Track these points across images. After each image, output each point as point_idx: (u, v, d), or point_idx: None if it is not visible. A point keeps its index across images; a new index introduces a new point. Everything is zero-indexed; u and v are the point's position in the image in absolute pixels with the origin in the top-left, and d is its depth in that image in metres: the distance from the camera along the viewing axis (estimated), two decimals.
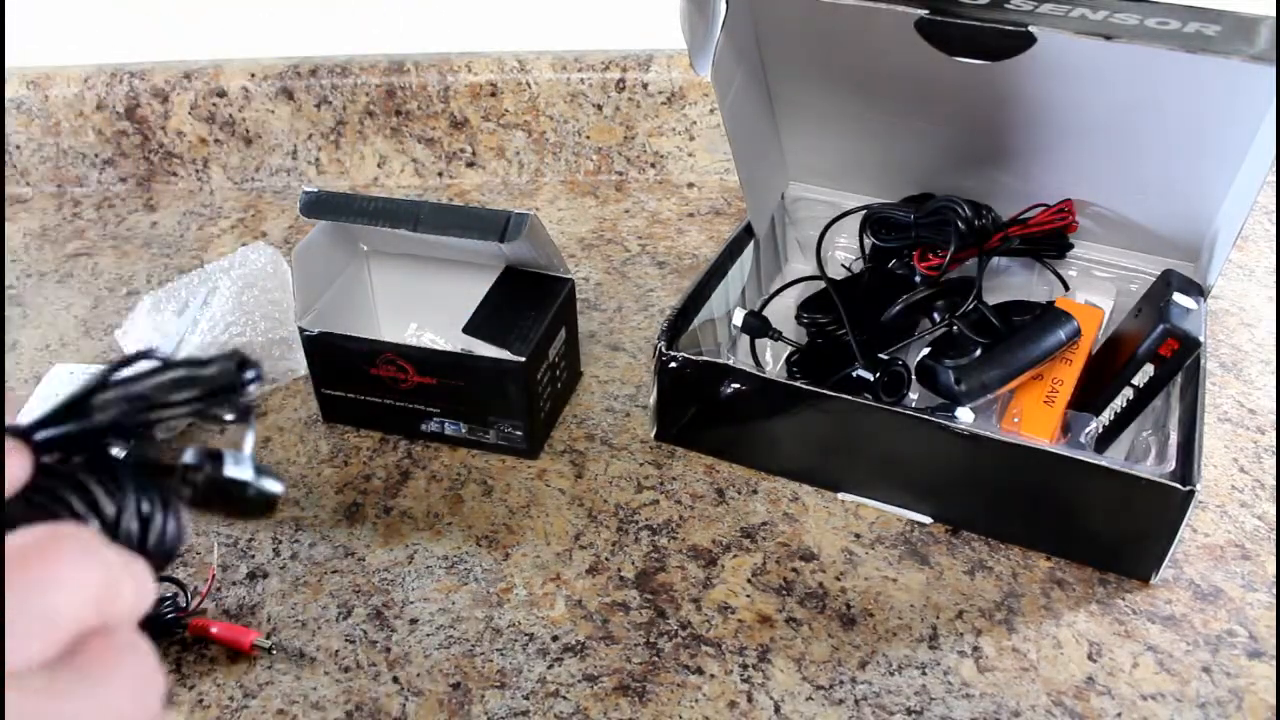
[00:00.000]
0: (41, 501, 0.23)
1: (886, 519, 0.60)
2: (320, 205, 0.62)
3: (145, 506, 0.25)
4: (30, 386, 0.72)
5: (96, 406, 0.25)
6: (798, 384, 0.59)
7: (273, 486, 0.26)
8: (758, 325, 0.66)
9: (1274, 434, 0.66)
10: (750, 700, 0.50)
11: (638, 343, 0.75)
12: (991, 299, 0.66)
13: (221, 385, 0.25)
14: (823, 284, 0.70)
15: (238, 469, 0.26)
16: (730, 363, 0.60)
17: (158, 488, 0.25)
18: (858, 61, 0.65)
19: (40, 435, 0.25)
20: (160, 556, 0.25)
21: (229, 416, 0.26)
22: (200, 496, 0.26)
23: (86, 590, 0.20)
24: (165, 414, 0.25)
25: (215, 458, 0.25)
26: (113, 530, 0.24)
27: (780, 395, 0.60)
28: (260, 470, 0.26)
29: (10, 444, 0.23)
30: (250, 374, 0.25)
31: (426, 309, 0.71)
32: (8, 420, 0.23)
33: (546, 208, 0.93)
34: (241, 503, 0.26)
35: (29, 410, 0.69)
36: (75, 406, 0.25)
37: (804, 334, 0.69)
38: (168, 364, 0.25)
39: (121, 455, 0.25)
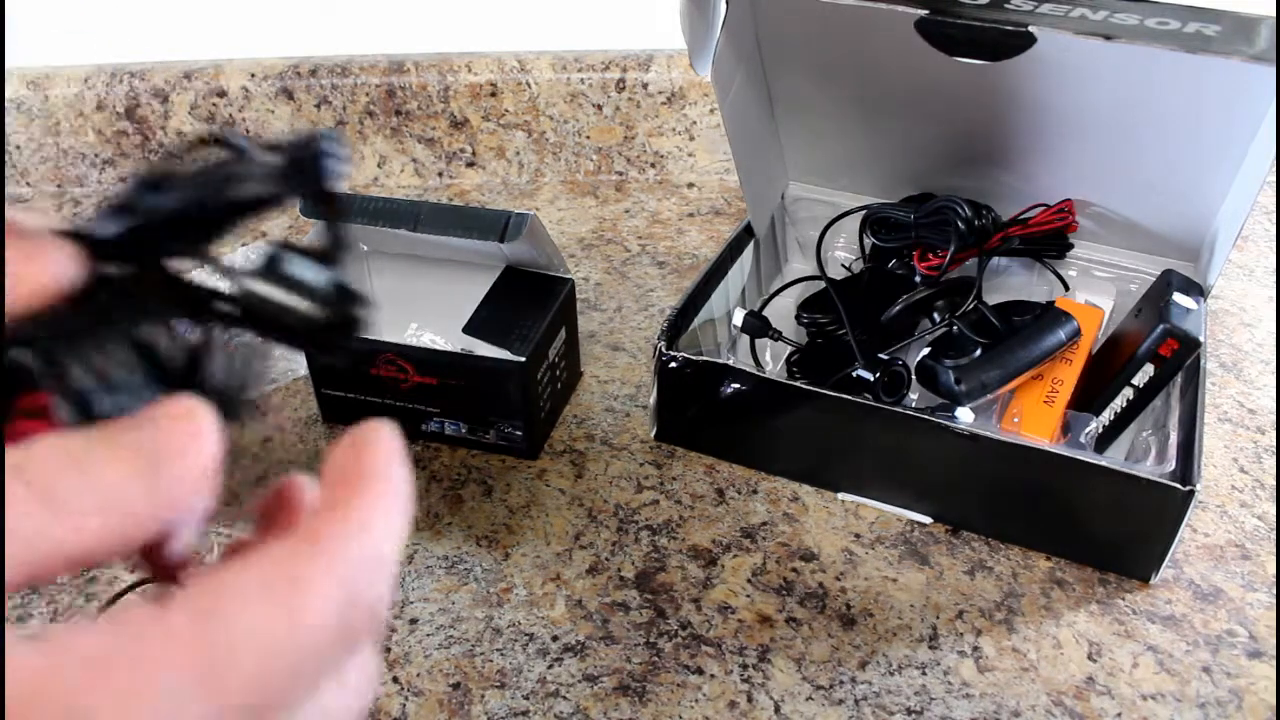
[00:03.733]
0: (85, 320, 0.20)
1: (886, 519, 0.60)
2: None
3: (197, 331, 0.21)
4: None
5: (156, 201, 0.21)
6: (798, 384, 0.59)
7: (351, 300, 0.22)
8: (758, 325, 0.66)
9: (1274, 434, 0.66)
10: (750, 700, 0.50)
11: (638, 343, 0.75)
12: (991, 299, 0.66)
13: (298, 163, 0.21)
14: (823, 284, 0.70)
15: (305, 270, 0.21)
16: (730, 363, 0.60)
17: (223, 311, 0.21)
18: (858, 61, 0.65)
19: (96, 235, 0.21)
20: (225, 393, 0.21)
21: (308, 208, 0.22)
22: (257, 314, 0.22)
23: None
24: (235, 193, 0.21)
25: (277, 262, 0.21)
26: (157, 360, 0.20)
27: (780, 395, 0.60)
28: (337, 278, 0.22)
29: (56, 243, 0.20)
30: (330, 146, 0.21)
31: (426, 309, 0.71)
32: None
33: (546, 208, 0.93)
34: (307, 324, 0.22)
35: None
36: (133, 202, 0.21)
37: (804, 334, 0.69)
38: (236, 147, 0.21)
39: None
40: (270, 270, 0.21)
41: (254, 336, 0.22)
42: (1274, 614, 0.54)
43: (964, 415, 0.58)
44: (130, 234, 0.21)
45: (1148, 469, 0.54)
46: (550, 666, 0.52)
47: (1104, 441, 0.60)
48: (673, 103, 0.93)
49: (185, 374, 0.21)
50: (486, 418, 0.63)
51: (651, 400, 0.64)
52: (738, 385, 0.60)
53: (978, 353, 0.59)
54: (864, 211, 0.71)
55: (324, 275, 0.22)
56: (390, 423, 0.21)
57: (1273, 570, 0.57)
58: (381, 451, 0.21)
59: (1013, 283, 0.71)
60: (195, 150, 0.21)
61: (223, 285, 0.21)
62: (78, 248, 0.20)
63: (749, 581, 0.56)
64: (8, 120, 0.93)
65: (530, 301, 0.64)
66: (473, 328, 0.62)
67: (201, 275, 0.22)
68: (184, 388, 0.20)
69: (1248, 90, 0.55)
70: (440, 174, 0.97)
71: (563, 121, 0.94)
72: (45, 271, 0.20)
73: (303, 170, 0.21)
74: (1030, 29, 0.55)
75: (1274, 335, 0.75)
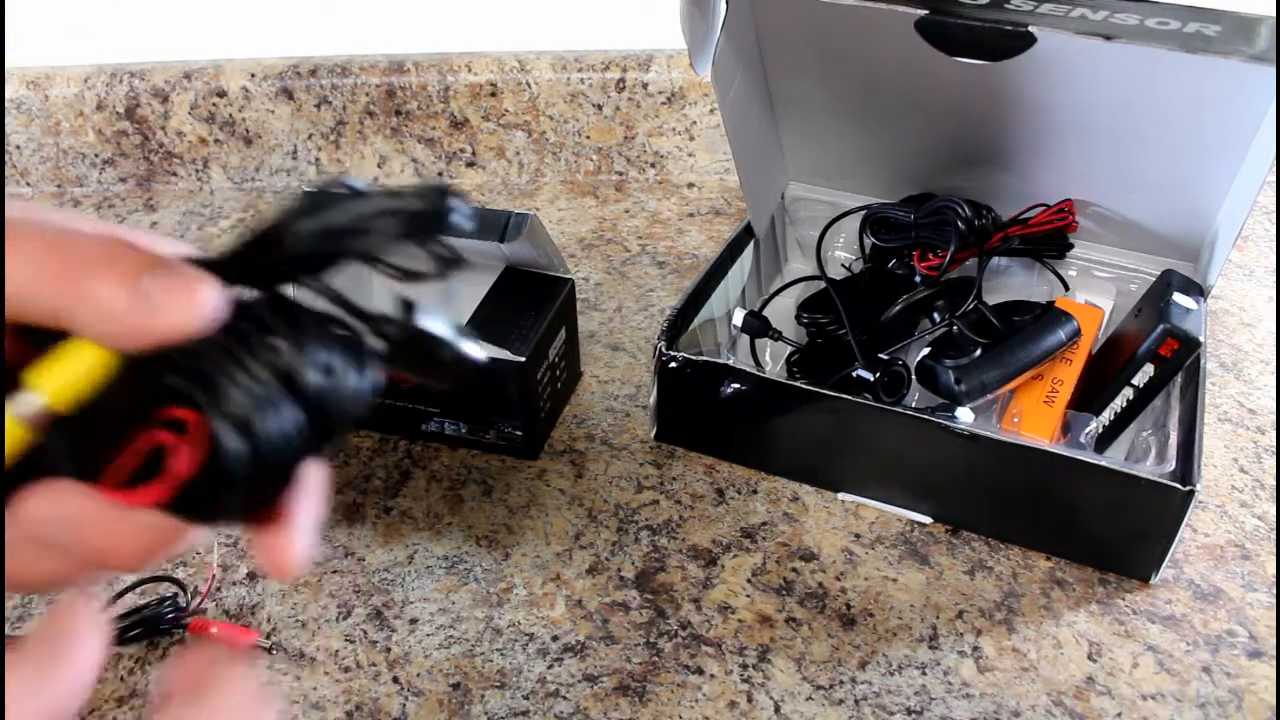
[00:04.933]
0: (229, 345, 0.21)
1: (886, 519, 0.60)
2: None
3: (328, 357, 0.22)
4: None
5: (287, 238, 0.22)
6: (798, 384, 0.59)
7: (473, 351, 0.24)
8: (758, 325, 0.66)
9: (1274, 434, 0.66)
10: (750, 700, 0.50)
11: (638, 343, 0.75)
12: (991, 299, 0.66)
13: (424, 216, 0.22)
14: (823, 284, 0.70)
15: (434, 324, 0.23)
16: (730, 363, 0.60)
17: (346, 338, 0.23)
18: (858, 61, 0.65)
19: (230, 270, 0.22)
20: (341, 414, 0.23)
21: (427, 267, 0.23)
22: (391, 352, 0.23)
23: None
24: (359, 245, 0.22)
25: (409, 308, 0.23)
26: (291, 383, 0.22)
27: (780, 395, 0.60)
28: (460, 330, 0.24)
29: (201, 277, 0.21)
30: (456, 204, 0.22)
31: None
32: None
33: (546, 208, 0.93)
34: (434, 364, 0.24)
35: None
36: (265, 238, 0.22)
37: (804, 334, 0.69)
38: (363, 193, 0.22)
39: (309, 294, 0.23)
40: (409, 315, 0.23)
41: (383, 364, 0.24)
42: (1274, 614, 0.54)
43: (964, 415, 0.58)
44: (262, 265, 0.22)
45: (1148, 469, 0.54)
46: (550, 666, 0.52)
47: (1104, 441, 0.60)
48: (673, 103, 0.93)
49: (317, 395, 0.22)
50: (486, 417, 0.63)
51: (651, 400, 0.64)
52: (738, 385, 0.60)
53: (978, 353, 0.59)
54: (864, 211, 0.71)
55: (441, 321, 0.24)
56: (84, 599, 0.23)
57: (1273, 570, 0.57)
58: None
59: (1013, 283, 0.71)
60: (320, 192, 0.23)
61: (333, 310, 0.23)
62: (218, 279, 0.22)
63: (749, 581, 0.56)
64: (8, 120, 0.93)
65: (530, 301, 0.64)
66: (472, 328, 0.62)
67: (316, 300, 0.23)
68: (314, 408, 0.22)
69: (1248, 90, 0.55)
70: (440, 174, 0.97)
71: (563, 121, 0.94)
72: (195, 306, 0.21)
73: (427, 223, 0.22)
74: (1030, 29, 0.55)
75: (1274, 335, 0.75)
